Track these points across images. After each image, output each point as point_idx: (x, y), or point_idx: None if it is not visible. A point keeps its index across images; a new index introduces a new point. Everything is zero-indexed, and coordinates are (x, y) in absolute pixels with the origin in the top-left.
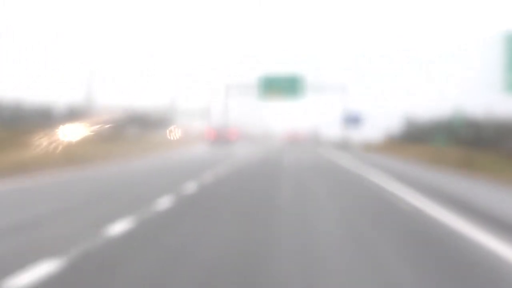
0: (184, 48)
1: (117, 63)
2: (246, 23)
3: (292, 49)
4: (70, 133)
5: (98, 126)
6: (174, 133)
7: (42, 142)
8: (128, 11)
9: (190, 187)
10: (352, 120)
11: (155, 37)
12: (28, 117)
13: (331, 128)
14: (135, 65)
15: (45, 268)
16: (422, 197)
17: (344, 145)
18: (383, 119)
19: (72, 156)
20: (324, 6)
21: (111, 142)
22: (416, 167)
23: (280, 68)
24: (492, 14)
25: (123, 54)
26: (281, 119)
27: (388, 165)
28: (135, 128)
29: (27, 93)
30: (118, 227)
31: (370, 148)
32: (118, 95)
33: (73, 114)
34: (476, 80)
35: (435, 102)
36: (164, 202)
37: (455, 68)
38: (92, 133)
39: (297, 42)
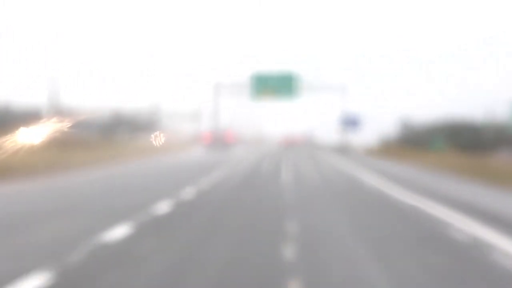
0: (174, 47)
1: (104, 63)
2: (241, 20)
3: (289, 48)
4: (30, 137)
5: (66, 129)
6: (159, 138)
7: (5, 146)
8: (115, 9)
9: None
10: (351, 122)
11: (144, 36)
12: (19, 119)
13: (327, 131)
14: (122, 65)
15: None
16: None
17: (343, 150)
18: (381, 121)
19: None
20: (322, 5)
21: (89, 146)
22: (482, 188)
23: (277, 67)
24: (492, 14)
25: (110, 54)
26: (276, 121)
27: (432, 185)
28: (123, 131)
29: (21, 95)
30: None
31: (372, 152)
32: (107, 97)
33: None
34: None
35: (435, 103)
36: None
37: (455, 68)
38: (57, 136)
39: (295, 41)
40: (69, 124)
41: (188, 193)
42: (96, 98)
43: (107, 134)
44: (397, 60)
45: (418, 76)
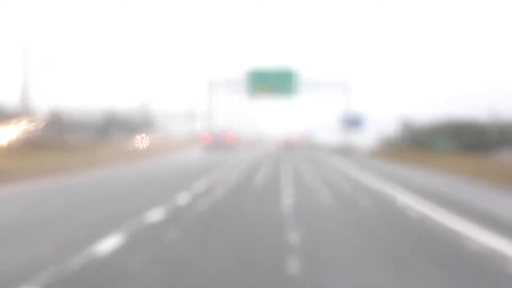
0: (166, 43)
1: (93, 63)
2: (237, 13)
3: (287, 43)
4: None
5: (35, 130)
6: (143, 141)
7: None
8: (102, 6)
9: None
10: (353, 122)
11: (134, 33)
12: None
13: (327, 131)
14: (112, 65)
15: None
16: None
17: (347, 151)
18: (380, 121)
19: None
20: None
21: (65, 149)
22: None
23: (275, 63)
24: (493, 15)
25: (97, 53)
26: (275, 121)
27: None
28: (117, 132)
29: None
30: None
31: (377, 154)
32: (98, 97)
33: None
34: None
35: (436, 102)
36: None
37: (457, 68)
38: (25, 138)
39: (293, 35)
40: (39, 125)
41: (110, 245)
42: (88, 98)
43: (101, 136)
44: (398, 58)
45: (419, 75)
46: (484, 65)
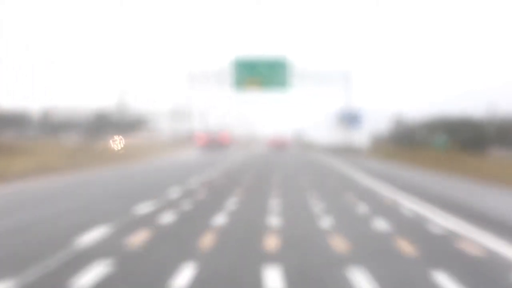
0: (147, 37)
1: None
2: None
3: (278, 31)
4: None
5: None
6: (120, 142)
7: None
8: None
9: None
10: (351, 119)
11: (113, 30)
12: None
13: (321, 129)
14: (92, 63)
15: None
16: None
17: (349, 152)
18: (379, 119)
19: None
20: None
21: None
22: None
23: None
24: (493, 15)
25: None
26: (268, 119)
27: None
28: (107, 132)
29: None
30: None
31: (380, 155)
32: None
33: None
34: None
35: (433, 99)
36: None
37: (458, 66)
38: None
39: (285, 23)
40: None
41: None
42: (78, 98)
43: (89, 136)
44: (398, 57)
45: (419, 73)
46: (484, 64)
